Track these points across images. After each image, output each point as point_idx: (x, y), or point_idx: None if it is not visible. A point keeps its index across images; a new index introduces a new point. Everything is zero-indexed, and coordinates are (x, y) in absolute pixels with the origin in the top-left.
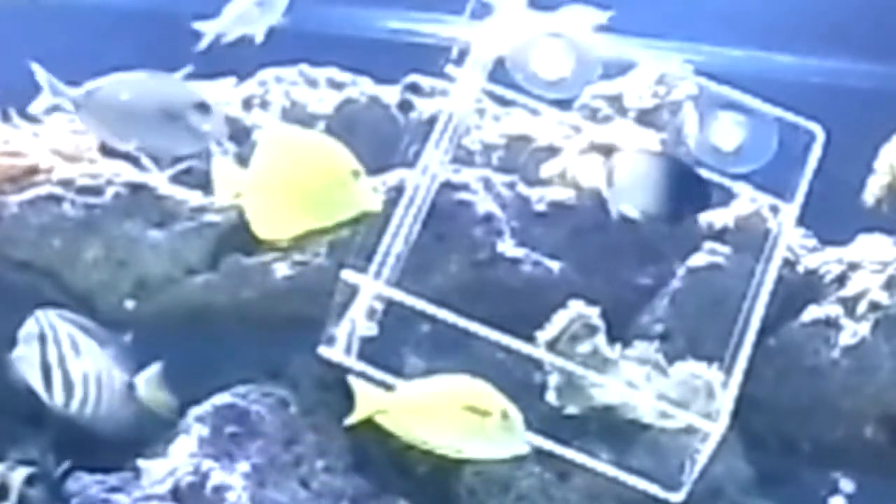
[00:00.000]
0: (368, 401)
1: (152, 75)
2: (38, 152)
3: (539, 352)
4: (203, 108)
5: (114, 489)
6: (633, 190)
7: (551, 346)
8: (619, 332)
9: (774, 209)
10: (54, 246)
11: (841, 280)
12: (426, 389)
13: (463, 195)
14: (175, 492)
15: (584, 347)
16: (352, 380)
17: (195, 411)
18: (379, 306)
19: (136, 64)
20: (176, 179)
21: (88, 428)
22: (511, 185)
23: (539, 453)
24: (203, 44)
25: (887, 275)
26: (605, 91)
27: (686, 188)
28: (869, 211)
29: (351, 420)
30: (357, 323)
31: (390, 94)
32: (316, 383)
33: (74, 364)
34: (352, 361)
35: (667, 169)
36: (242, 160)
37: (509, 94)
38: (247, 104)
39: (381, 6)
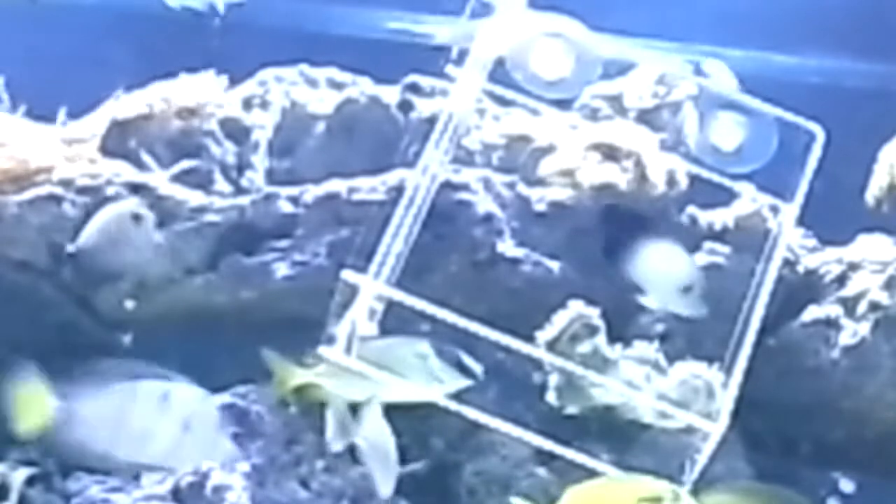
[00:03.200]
0: None
1: None
2: (39, 152)
3: (539, 352)
4: None
5: (114, 489)
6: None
7: (551, 346)
8: (619, 332)
9: (774, 209)
10: (54, 246)
11: (841, 280)
12: (592, 493)
13: (463, 195)
14: (175, 492)
15: (584, 347)
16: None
17: None
18: (379, 306)
19: (136, 64)
20: (177, 179)
21: None
22: (511, 185)
23: (539, 453)
24: None
25: (887, 275)
26: (605, 91)
27: None
28: (869, 211)
29: None
30: (357, 323)
31: (390, 94)
32: None
33: None
34: (352, 361)
35: None
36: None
37: (509, 94)
38: (247, 104)
39: (381, 6)
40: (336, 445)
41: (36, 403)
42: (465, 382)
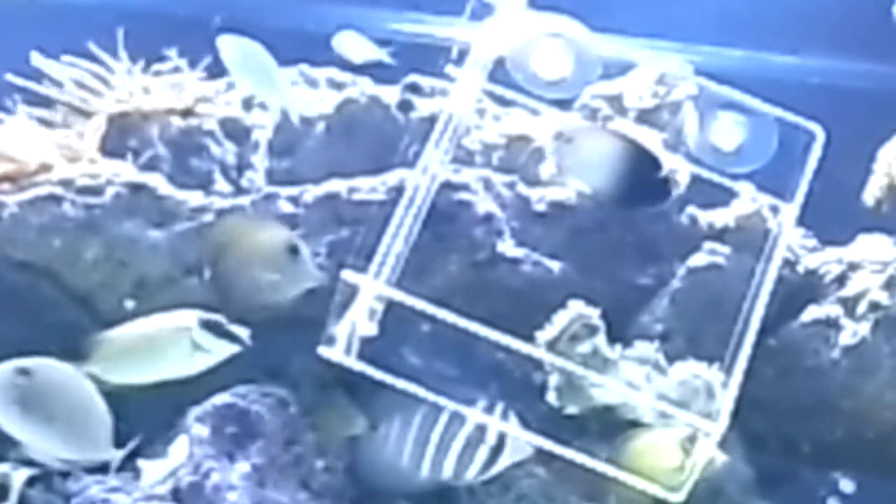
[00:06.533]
0: None
1: None
2: (38, 152)
3: (539, 352)
4: None
5: (114, 489)
6: (588, 167)
7: (551, 346)
8: (619, 332)
9: (774, 209)
10: (54, 246)
11: (841, 280)
12: None
13: (463, 195)
14: (175, 492)
15: (584, 347)
16: None
17: (195, 411)
18: (379, 306)
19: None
20: (174, 179)
21: None
22: (511, 185)
23: (539, 453)
24: None
25: (887, 275)
26: (605, 91)
27: (645, 178)
28: (869, 211)
29: None
30: (357, 323)
31: (390, 94)
32: (316, 383)
33: None
34: (352, 361)
35: (627, 154)
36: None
37: (509, 94)
38: (247, 104)
39: (381, 6)
40: None
41: None
42: (232, 349)
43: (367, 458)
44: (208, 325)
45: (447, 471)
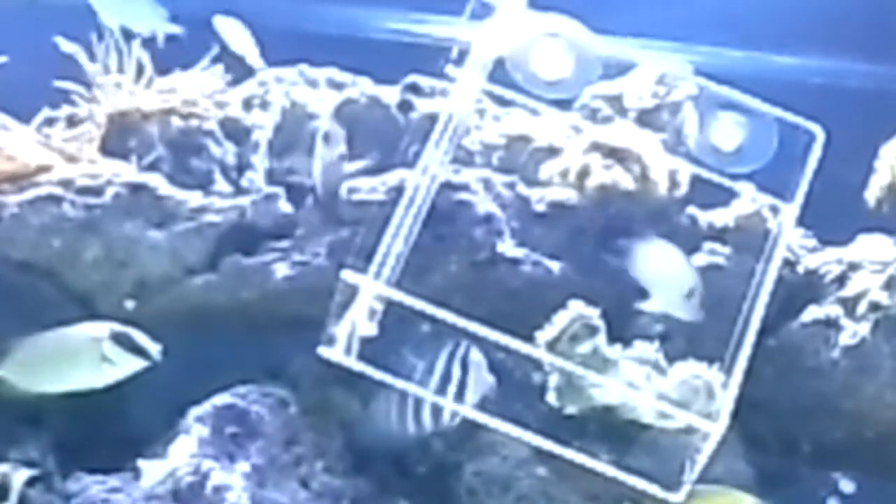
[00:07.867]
0: None
1: None
2: (38, 152)
3: (539, 352)
4: None
5: (114, 489)
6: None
7: (551, 346)
8: (619, 332)
9: (774, 209)
10: (54, 246)
11: (841, 280)
12: None
13: (463, 195)
14: (175, 492)
15: (584, 348)
16: None
17: (195, 411)
18: (379, 306)
19: None
20: (174, 179)
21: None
22: (511, 186)
23: (539, 453)
24: None
25: (887, 275)
26: (605, 91)
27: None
28: (869, 211)
29: None
30: (357, 323)
31: (390, 94)
32: (316, 383)
33: None
34: (352, 361)
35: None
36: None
37: (509, 94)
38: (247, 104)
39: (381, 6)
40: None
41: None
42: (139, 363)
43: (362, 432)
44: (119, 339)
45: (427, 421)
